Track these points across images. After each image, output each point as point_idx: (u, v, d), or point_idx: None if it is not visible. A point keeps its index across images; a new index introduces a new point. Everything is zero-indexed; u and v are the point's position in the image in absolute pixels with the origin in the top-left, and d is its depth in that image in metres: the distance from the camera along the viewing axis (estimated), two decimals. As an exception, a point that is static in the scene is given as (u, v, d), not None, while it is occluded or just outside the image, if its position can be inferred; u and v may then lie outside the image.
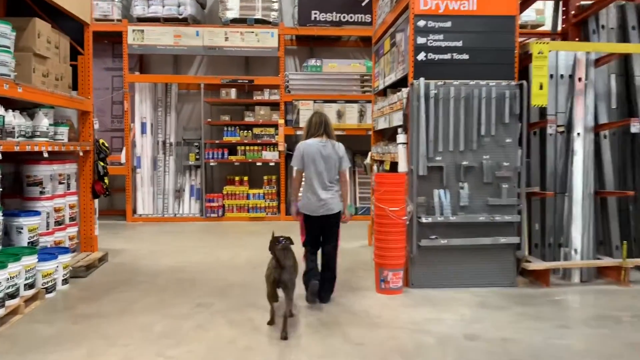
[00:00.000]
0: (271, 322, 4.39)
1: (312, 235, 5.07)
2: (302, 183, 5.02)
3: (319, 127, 4.99)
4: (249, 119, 10.63)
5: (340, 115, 10.44)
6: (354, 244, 8.02)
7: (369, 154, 7.87)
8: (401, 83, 6.24)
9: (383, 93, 7.38)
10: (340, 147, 5.03)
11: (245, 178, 10.66)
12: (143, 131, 10.72)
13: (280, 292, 4.37)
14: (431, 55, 5.51)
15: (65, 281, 5.54)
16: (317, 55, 11.13)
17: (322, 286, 4.94)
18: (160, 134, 10.93)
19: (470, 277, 5.53)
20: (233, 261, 6.83)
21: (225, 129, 10.59)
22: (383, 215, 5.25)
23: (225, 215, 10.47)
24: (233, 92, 10.54)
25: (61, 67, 6.12)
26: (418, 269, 5.49)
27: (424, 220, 5.37)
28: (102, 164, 6.74)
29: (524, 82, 5.46)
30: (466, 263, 5.52)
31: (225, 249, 7.59)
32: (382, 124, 6.95)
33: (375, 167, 7.63)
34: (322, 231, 5.05)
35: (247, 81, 10.49)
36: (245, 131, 10.58)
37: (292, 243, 4.58)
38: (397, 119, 5.89)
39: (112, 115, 11.29)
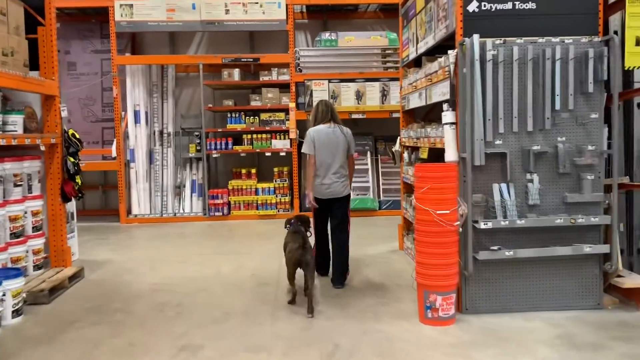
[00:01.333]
0: (292, 302, 4.49)
1: (319, 216, 5.18)
2: None
3: (326, 114, 5.07)
4: (255, 103, 9.32)
5: (359, 95, 9.08)
6: (380, 247, 6.71)
7: (398, 139, 6.52)
8: (439, 50, 4.90)
9: (415, 64, 6.03)
10: (348, 132, 5.11)
11: (253, 171, 9.38)
12: (136, 120, 9.47)
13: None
14: (486, 5, 4.13)
15: (17, 312, 4.31)
16: (331, 29, 9.75)
17: (334, 276, 5.06)
18: (156, 123, 9.68)
19: (542, 298, 4.19)
20: (235, 275, 5.56)
21: (229, 115, 9.29)
22: (427, 221, 3.92)
23: (231, 213, 9.21)
24: (236, 73, 9.22)
25: (12, 39, 4.86)
26: (475, 289, 4.17)
27: (481, 225, 4.02)
28: (72, 159, 5.49)
29: (615, 37, 4.06)
30: (537, 280, 4.18)
31: (227, 258, 6.33)
32: (414, 102, 5.60)
33: (405, 155, 6.28)
34: (330, 214, 5.14)
35: (252, 60, 9.15)
36: (252, 117, 9.27)
37: (304, 224, 4.81)
38: (440, 94, 4.54)
39: (103, 103, 10.05)
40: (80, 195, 5.63)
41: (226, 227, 8.65)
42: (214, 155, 9.33)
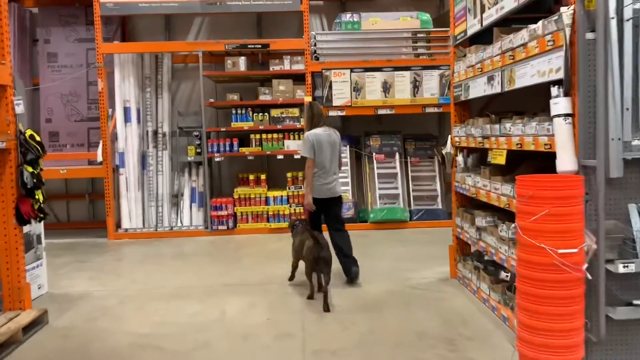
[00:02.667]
0: (311, 297, 4.61)
1: (316, 216, 5.21)
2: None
3: (320, 117, 5.23)
4: (264, 97, 7.98)
5: (386, 87, 7.73)
6: (424, 273, 5.38)
7: (448, 139, 5.17)
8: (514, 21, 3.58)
9: (471, 42, 4.69)
10: (338, 134, 5.33)
11: (263, 176, 8.05)
12: (127, 119, 8.15)
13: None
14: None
15: None
16: (351, 10, 8.41)
17: (349, 267, 5.12)
18: (149, 122, 8.35)
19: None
20: (246, 321, 4.22)
21: (234, 112, 7.96)
22: (540, 265, 2.58)
23: (238, 227, 7.88)
24: (242, 63, 7.88)
25: (-62, 7, 3.55)
26: (605, 363, 2.83)
27: (620, 268, 2.67)
28: (30, 169, 4.16)
29: None
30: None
31: (234, 291, 5.00)
32: (479, 89, 4.26)
33: (460, 159, 4.93)
34: (326, 213, 5.23)
35: (260, 46, 7.81)
36: (260, 114, 7.94)
37: (309, 224, 5.06)
38: (535, 73, 3.19)
39: (89, 99, 8.72)
40: (41, 215, 4.30)
41: (232, 244, 7.32)
42: (217, 159, 8.00)
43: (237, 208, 7.88)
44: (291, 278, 5.20)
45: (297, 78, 7.93)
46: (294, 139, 7.88)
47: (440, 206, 8.00)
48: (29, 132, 4.23)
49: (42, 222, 5.08)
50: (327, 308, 4.32)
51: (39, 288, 5.00)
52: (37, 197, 4.21)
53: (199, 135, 7.95)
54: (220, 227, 7.84)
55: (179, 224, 8.14)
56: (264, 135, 7.90)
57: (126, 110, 8.15)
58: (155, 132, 8.38)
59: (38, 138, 4.27)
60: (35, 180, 4.15)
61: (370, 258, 6.06)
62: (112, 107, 8.04)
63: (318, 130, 5.14)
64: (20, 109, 4.19)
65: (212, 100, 7.96)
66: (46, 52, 8.64)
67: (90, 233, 8.32)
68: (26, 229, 4.76)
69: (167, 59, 8.52)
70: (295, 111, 7.90)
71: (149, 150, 8.29)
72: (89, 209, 9.08)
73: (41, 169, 4.28)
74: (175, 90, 8.85)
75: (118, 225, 8.03)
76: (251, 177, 8.01)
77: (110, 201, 7.85)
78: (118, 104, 8.10)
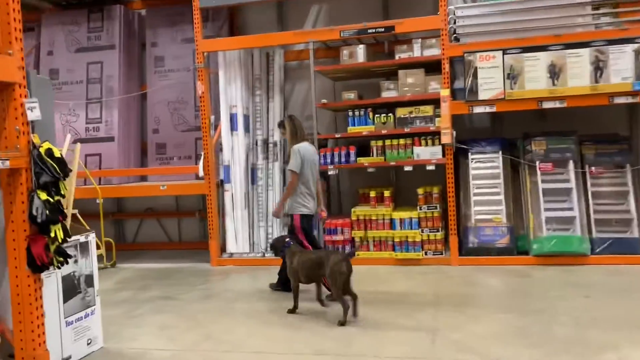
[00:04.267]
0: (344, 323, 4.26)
1: (307, 232, 5.13)
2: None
3: (302, 130, 5.22)
4: (388, 94, 6.37)
5: (554, 72, 5.68)
6: (634, 353, 3.36)
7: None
8: None
9: None
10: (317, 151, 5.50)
11: (387, 193, 6.44)
12: (233, 127, 7.07)
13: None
14: None
15: None
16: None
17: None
18: (259, 130, 7.20)
19: None
20: None
21: (350, 114, 6.48)
22: None
23: (356, 255, 6.36)
24: (360, 52, 6.36)
25: None
26: None
27: None
28: (44, 196, 3.05)
29: None
30: None
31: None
32: None
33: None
34: (310, 228, 5.23)
35: (383, 30, 6.21)
36: (383, 115, 6.35)
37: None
38: None
39: (197, 106, 7.80)
40: (60, 259, 3.17)
41: (347, 278, 5.82)
42: (330, 172, 6.56)
43: (355, 232, 6.36)
44: (293, 310, 4.65)
45: (430, 67, 6.20)
46: (427, 144, 6.17)
47: (636, 234, 5.71)
48: (46, 145, 3.13)
49: (96, 260, 4.04)
50: (345, 320, 4.23)
51: (88, 344, 3.94)
52: (55, 233, 3.08)
53: (312, 142, 6.58)
54: (335, 256, 6.38)
55: (290, 250, 6.83)
56: (387, 142, 6.29)
57: (232, 117, 7.08)
58: (266, 141, 7.21)
59: (58, 153, 3.15)
60: (48, 212, 3.01)
61: (535, 316, 4.18)
62: (213, 114, 7.02)
63: (305, 145, 5.15)
64: (34, 114, 3.10)
65: (324, 101, 6.53)
66: (153, 56, 7.94)
67: (198, 256, 7.37)
68: (69, 269, 3.73)
69: (278, 57, 7.32)
70: (428, 109, 6.18)
71: (258, 162, 7.13)
72: (199, 228, 8.21)
73: (62, 196, 3.15)
74: (289, 93, 7.63)
75: (222, 249, 6.97)
76: (372, 193, 6.44)
77: (214, 221, 6.81)
78: (223, 110, 7.06)
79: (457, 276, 5.69)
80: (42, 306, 3.20)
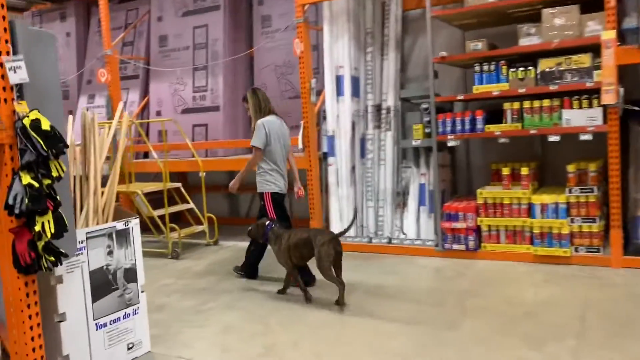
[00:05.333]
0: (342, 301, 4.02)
1: (282, 210, 4.78)
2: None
3: (267, 102, 4.85)
4: (528, 40, 4.88)
5: None
6: None
7: None
8: None
9: None
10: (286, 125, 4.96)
11: (525, 170, 5.02)
12: (339, 91, 6.12)
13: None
14: None
15: None
16: None
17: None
18: (370, 94, 6.17)
19: None
20: None
21: (477, 68, 5.11)
22: None
23: (482, 247, 5.10)
24: (492, -11, 4.95)
25: None
26: None
27: None
28: (28, 179, 2.39)
29: None
30: None
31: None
32: None
33: None
34: (283, 206, 4.87)
35: (520, -45, 4.73)
36: (521, 69, 4.89)
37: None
38: None
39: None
40: (51, 259, 2.51)
41: (467, 277, 4.62)
42: (450, 143, 5.30)
43: (481, 219, 5.09)
44: (283, 291, 4.43)
45: (587, 3, 4.59)
46: (581, 107, 4.62)
47: None
48: (33, 114, 2.46)
49: (139, 250, 3.41)
50: (343, 301, 3.97)
51: (129, 349, 3.35)
52: (39, 227, 2.43)
53: (427, 108, 5.38)
54: (455, 246, 5.19)
55: (402, 235, 5.77)
56: (526, 104, 4.86)
57: (338, 80, 6.12)
58: (378, 107, 6.14)
59: (47, 125, 2.47)
60: (29, 200, 2.36)
61: None
62: (316, 76, 6.11)
63: (271, 118, 4.77)
64: (19, 76, 2.45)
65: (443, 54, 5.22)
66: (260, 15, 7.23)
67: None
68: (100, 262, 3.15)
69: (395, 5, 6.14)
70: (584, 59, 4.61)
71: (369, 132, 6.12)
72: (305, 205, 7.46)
73: (54, 179, 2.48)
74: (408, 48, 6.43)
75: (328, 228, 6.13)
76: (505, 170, 5.08)
77: (315, 199, 5.98)
78: (327, 72, 6.13)
79: (619, 284, 4.20)
80: (37, 314, 2.59)
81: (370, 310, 3.95)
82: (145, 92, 7.90)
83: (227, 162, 6.75)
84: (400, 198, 5.90)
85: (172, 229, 6.16)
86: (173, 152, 7.14)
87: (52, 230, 2.47)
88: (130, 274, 3.37)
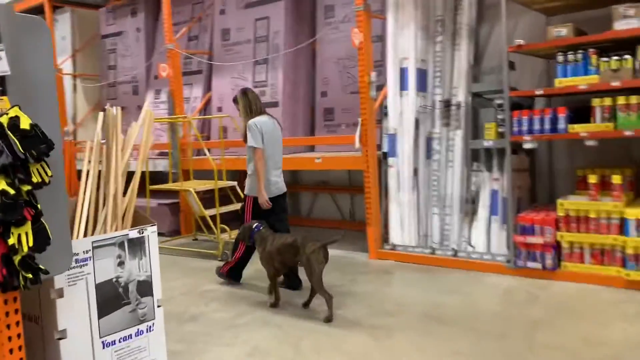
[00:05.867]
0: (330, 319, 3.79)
1: (262, 217, 4.48)
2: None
3: (258, 102, 4.69)
4: (624, 23, 4.05)
5: None
6: None
7: None
8: None
9: None
10: (279, 125, 4.86)
11: (617, 178, 4.22)
12: (403, 85, 5.57)
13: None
14: None
15: None
16: None
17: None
18: (438, 88, 5.56)
19: None
20: None
21: (560, 58, 4.37)
22: None
23: (562, 267, 4.37)
24: (581, -36, 4.19)
25: None
26: None
27: None
28: (4, 185, 2.11)
29: None
30: None
31: None
32: None
33: None
34: (273, 212, 4.55)
35: None
36: (614, 59, 4.10)
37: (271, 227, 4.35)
38: None
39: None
40: (29, 276, 2.21)
41: (543, 305, 3.93)
42: (527, 145, 4.58)
43: (561, 233, 4.36)
44: (275, 303, 4.17)
45: None
46: (691, 103, 3.78)
47: None
48: (13, 111, 2.18)
49: (157, 261, 3.10)
50: (332, 316, 3.74)
51: (150, 369, 3.05)
52: (15, 240, 2.14)
53: (501, 104, 4.70)
54: (529, 264, 4.49)
55: (470, 248, 5.13)
56: (620, 100, 4.06)
57: (402, 72, 5.57)
58: (447, 103, 5.52)
59: (26, 124, 2.17)
60: (3, 210, 2.07)
61: None
62: (377, 69, 5.60)
63: (263, 118, 4.57)
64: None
65: (519, 42, 4.50)
66: (323, 4, 6.80)
67: (364, 241, 6.17)
68: (109, 273, 2.87)
69: (468, -11, 5.49)
70: (698, 45, 3.76)
71: (435, 130, 5.52)
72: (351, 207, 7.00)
73: (35, 185, 2.19)
74: (484, 38, 5.74)
75: (384, 238, 5.61)
76: (592, 178, 4.31)
77: (373, 204, 5.48)
78: (390, 64, 5.60)
79: None
80: (19, 335, 2.32)
81: (420, 339, 3.41)
82: (208, 88, 7.73)
83: (286, 161, 6.34)
84: (469, 206, 5.25)
85: (223, 230, 5.90)
86: (232, 149, 6.90)
87: (30, 244, 2.17)
88: (145, 287, 3.06)
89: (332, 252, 5.84)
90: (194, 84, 7.84)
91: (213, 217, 5.90)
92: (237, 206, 6.35)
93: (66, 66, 9.08)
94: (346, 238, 6.36)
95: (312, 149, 6.85)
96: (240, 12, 7.23)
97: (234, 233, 5.98)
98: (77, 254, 2.76)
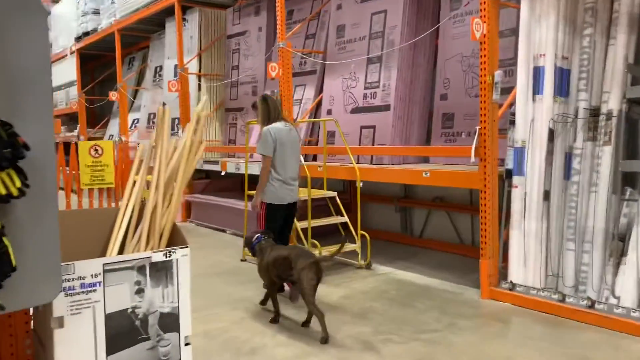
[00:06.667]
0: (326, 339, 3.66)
1: (278, 224, 4.66)
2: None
3: (277, 110, 4.71)
4: None
5: None
6: None
7: None
8: None
9: None
10: (298, 132, 5.06)
11: None
12: (537, 88, 4.53)
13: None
14: None
15: None
16: None
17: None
18: (583, 93, 4.43)
19: None
20: None
21: None
22: None
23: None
24: None
25: None
26: None
27: None
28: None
29: None
30: None
31: None
32: None
33: None
34: (285, 220, 4.75)
35: None
36: None
37: (273, 237, 4.32)
38: None
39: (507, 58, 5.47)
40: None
41: None
42: None
43: None
44: (276, 318, 4.05)
45: None
46: None
47: None
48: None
49: (186, 286, 2.59)
50: (327, 334, 3.61)
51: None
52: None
53: (669, 114, 3.50)
54: (699, 335, 3.26)
55: (613, 299, 3.95)
56: None
57: (536, 72, 4.53)
58: (596, 112, 4.38)
59: (9, 126, 1.74)
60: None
61: None
62: (505, 67, 4.61)
63: (278, 125, 4.63)
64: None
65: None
66: (448, -2, 5.92)
67: (461, 269, 5.24)
68: (124, 303, 2.42)
69: (632, -33, 4.28)
70: None
71: (576, 144, 4.40)
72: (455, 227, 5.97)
73: (4, 197, 1.76)
74: (651, 28, 4.47)
75: (502, 275, 4.61)
76: None
77: (489, 231, 4.52)
78: (522, 62, 4.59)
79: None
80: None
81: None
82: (320, 89, 7.23)
83: (391, 173, 5.60)
84: (615, 243, 4.07)
85: (313, 245, 5.31)
86: (339, 156, 6.31)
87: (-7, 274, 1.73)
88: (170, 321, 2.55)
89: (435, 282, 4.99)
90: (307, 85, 7.38)
91: (305, 230, 5.34)
92: (335, 219, 5.74)
93: (192, 65, 9.18)
94: (458, 267, 5.47)
95: (426, 159, 6.01)
96: (357, 7, 6.61)
97: (327, 250, 5.37)
98: (84, 277, 2.33)
